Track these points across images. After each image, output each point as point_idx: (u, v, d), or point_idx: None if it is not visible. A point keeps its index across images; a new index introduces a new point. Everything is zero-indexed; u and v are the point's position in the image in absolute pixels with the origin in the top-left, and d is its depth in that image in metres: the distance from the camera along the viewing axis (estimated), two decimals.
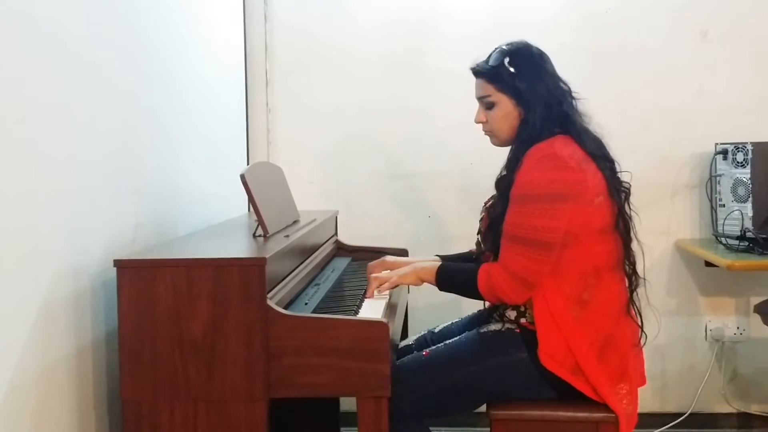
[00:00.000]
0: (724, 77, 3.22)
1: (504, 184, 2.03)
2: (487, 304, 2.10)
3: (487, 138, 2.16)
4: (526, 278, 1.92)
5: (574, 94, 2.05)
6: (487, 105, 2.06)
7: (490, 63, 2.04)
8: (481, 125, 2.11)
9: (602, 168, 1.97)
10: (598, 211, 1.95)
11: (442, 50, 3.27)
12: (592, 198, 1.93)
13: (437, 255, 2.37)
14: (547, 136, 1.98)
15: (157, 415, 1.81)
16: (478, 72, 2.07)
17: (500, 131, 2.07)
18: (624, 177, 2.03)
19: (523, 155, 1.97)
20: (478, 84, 2.08)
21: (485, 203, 2.14)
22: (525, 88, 2.00)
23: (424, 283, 2.13)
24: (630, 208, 2.02)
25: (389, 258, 2.29)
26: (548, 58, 2.07)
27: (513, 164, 2.01)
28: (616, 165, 2.02)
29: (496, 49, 2.06)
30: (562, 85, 2.05)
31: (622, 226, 1.99)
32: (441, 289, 2.10)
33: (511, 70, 2.01)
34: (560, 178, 1.90)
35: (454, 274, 2.09)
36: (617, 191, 1.99)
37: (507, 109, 2.03)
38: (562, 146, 1.95)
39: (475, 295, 2.01)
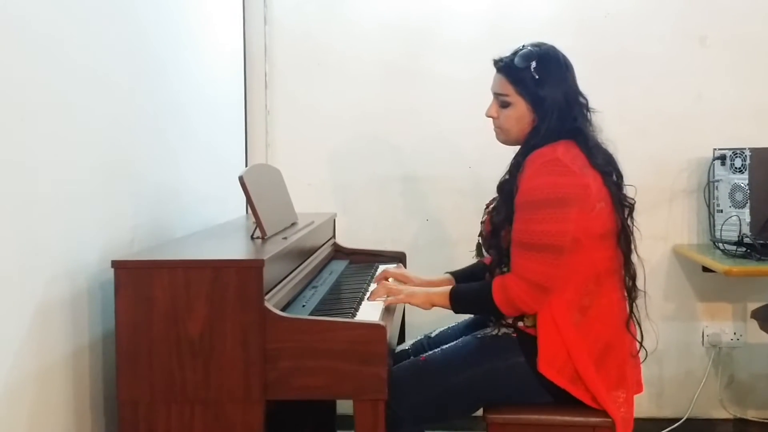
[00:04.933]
0: (723, 83, 3.23)
1: (507, 188, 2.01)
2: None
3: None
4: (542, 283, 1.91)
5: (590, 108, 2.03)
6: (503, 103, 2.02)
7: (517, 63, 1.98)
8: (491, 119, 2.07)
9: (607, 183, 1.96)
10: (599, 216, 1.94)
11: (440, 54, 3.28)
12: (594, 203, 1.93)
13: (448, 272, 2.35)
14: (552, 142, 1.96)
15: (153, 417, 1.80)
16: (502, 68, 2.02)
17: (510, 131, 2.04)
18: (628, 191, 2.01)
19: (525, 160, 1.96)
20: (498, 80, 2.03)
21: (487, 205, 2.12)
22: (545, 97, 1.96)
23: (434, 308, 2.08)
24: (633, 223, 2.01)
25: (407, 271, 2.39)
26: (572, 68, 2.02)
27: (516, 168, 2.00)
28: (623, 181, 2.01)
29: (523, 47, 2.00)
30: (580, 98, 2.01)
31: (623, 239, 1.97)
32: (457, 311, 2.06)
33: (536, 76, 1.96)
34: (564, 183, 1.89)
35: (468, 295, 2.05)
36: (621, 205, 1.98)
37: (522, 112, 2.00)
38: (564, 151, 1.94)
39: (493, 311, 1.97)
